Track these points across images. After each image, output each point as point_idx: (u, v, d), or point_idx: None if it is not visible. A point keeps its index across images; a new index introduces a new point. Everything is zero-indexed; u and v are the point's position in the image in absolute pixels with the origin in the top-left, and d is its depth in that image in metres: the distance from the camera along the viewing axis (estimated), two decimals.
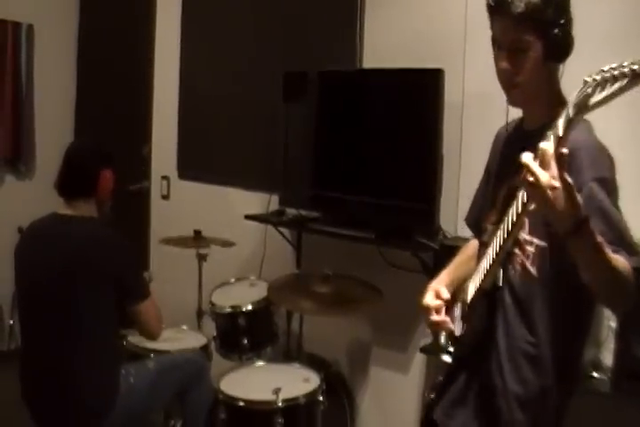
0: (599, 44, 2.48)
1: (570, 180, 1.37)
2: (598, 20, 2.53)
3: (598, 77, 1.25)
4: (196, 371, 3.04)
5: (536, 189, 1.36)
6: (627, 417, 2.39)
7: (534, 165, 1.34)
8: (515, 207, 1.51)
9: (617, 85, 1.22)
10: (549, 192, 1.35)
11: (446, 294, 1.87)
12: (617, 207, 1.65)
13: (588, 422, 2.18)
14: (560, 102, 1.59)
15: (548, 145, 1.33)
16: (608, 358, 2.48)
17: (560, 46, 1.69)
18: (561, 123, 1.34)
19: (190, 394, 2.99)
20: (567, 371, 1.79)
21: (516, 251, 1.74)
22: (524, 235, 1.72)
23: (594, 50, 2.28)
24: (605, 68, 1.25)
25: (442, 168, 3.02)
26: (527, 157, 1.35)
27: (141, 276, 2.76)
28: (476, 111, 2.98)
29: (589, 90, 1.27)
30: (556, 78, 1.77)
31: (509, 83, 1.74)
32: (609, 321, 2.46)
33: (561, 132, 1.33)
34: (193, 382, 2.99)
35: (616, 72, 1.22)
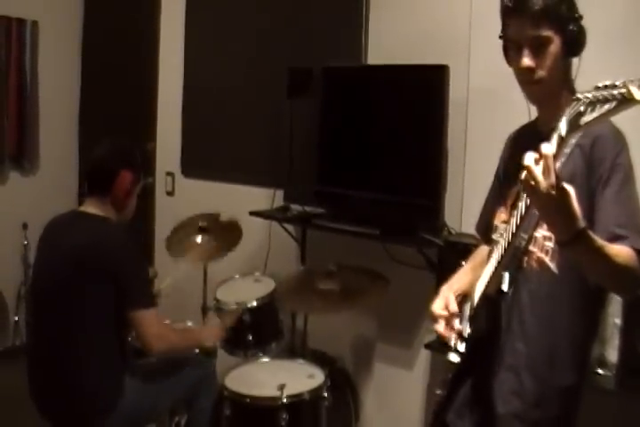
0: (605, 39, 2.47)
1: (571, 190, 1.38)
2: (604, 15, 2.52)
3: (590, 96, 1.27)
4: (203, 376, 3.00)
5: (535, 193, 1.37)
6: (632, 414, 2.39)
7: (536, 169, 1.35)
8: (518, 211, 1.53)
9: (606, 107, 1.24)
10: (546, 198, 1.37)
11: (454, 307, 1.83)
12: (634, 191, 1.67)
13: (592, 418, 2.17)
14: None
15: (549, 149, 1.34)
16: (613, 354, 2.48)
17: (577, 40, 1.73)
18: (555, 138, 1.35)
19: (197, 400, 2.96)
20: (582, 367, 1.80)
21: (533, 248, 1.75)
22: (542, 231, 1.72)
23: (600, 46, 2.27)
24: (600, 85, 1.26)
25: (446, 164, 3.01)
26: (529, 159, 1.36)
27: (145, 283, 2.68)
28: (481, 108, 2.98)
29: (582, 108, 1.28)
30: (571, 74, 1.79)
31: (531, 80, 1.75)
32: (614, 318, 2.46)
33: (554, 149, 1.34)
34: (201, 388, 2.96)
35: (607, 93, 1.23)
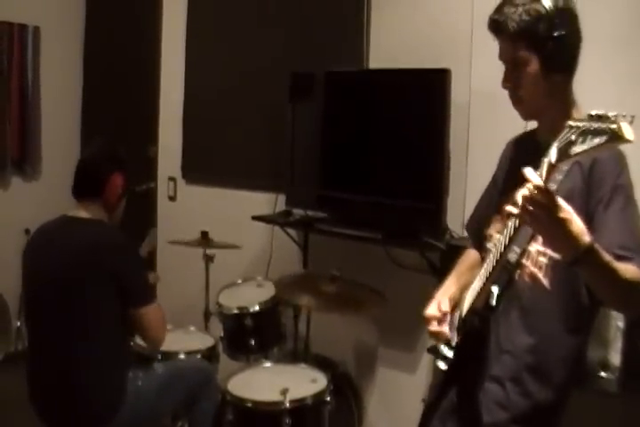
0: (605, 45, 2.48)
1: (567, 210, 1.39)
2: (604, 21, 2.53)
3: (581, 125, 1.26)
4: (203, 380, 3.00)
5: (536, 222, 1.41)
6: (634, 416, 2.38)
7: (531, 199, 1.37)
8: (508, 230, 1.55)
9: (596, 141, 1.23)
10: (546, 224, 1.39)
11: (446, 307, 1.88)
12: (635, 212, 1.66)
13: (595, 421, 2.17)
14: (572, 113, 1.60)
15: (539, 181, 1.35)
16: (616, 357, 2.47)
17: (557, 59, 1.70)
18: (545, 164, 1.35)
19: (198, 404, 2.96)
20: (570, 382, 1.79)
21: (526, 263, 1.74)
22: (537, 246, 1.71)
23: (601, 51, 2.28)
24: (593, 114, 1.25)
25: (448, 168, 3.01)
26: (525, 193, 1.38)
27: (145, 280, 2.72)
28: (483, 111, 2.98)
29: (573, 137, 1.27)
30: (564, 89, 1.76)
31: (514, 98, 1.78)
32: (617, 321, 2.45)
33: (544, 175, 1.36)
34: (201, 392, 2.95)
35: (597, 125, 1.22)
